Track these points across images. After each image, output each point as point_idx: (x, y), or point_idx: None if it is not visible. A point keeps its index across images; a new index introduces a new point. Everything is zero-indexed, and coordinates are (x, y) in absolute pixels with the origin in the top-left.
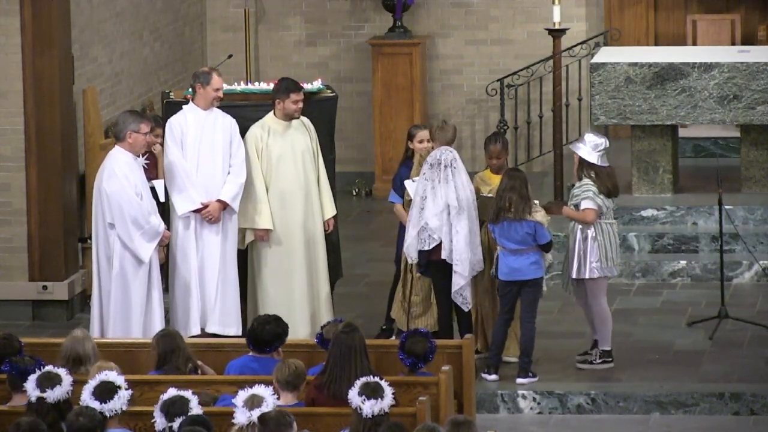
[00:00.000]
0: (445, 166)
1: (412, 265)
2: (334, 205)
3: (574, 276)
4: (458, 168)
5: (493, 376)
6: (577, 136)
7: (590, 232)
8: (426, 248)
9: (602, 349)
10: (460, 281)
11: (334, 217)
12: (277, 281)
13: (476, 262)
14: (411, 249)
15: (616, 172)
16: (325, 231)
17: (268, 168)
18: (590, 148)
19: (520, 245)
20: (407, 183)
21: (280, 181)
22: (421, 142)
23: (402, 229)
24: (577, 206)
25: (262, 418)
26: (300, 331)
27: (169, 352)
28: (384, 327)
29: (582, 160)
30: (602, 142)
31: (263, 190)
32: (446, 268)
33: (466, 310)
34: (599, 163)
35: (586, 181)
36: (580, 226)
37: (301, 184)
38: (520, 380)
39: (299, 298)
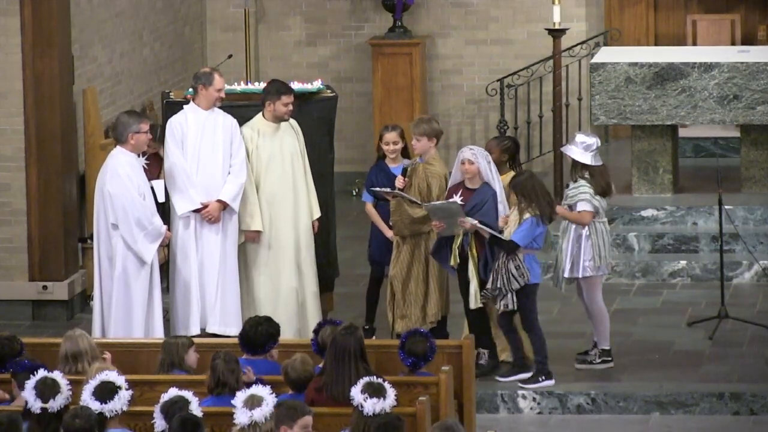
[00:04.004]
0: (488, 162)
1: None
2: (319, 207)
3: (566, 275)
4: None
5: (550, 382)
6: None
7: (584, 232)
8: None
9: (601, 348)
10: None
11: (318, 219)
12: (265, 281)
13: None
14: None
15: (616, 173)
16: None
17: (258, 170)
18: (582, 149)
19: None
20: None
21: (269, 183)
22: (387, 144)
23: (374, 228)
24: (571, 207)
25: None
26: (286, 330)
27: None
28: (366, 327)
29: (575, 162)
30: (594, 141)
31: (254, 191)
32: None
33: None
34: (593, 163)
35: (581, 182)
36: (574, 226)
37: (289, 186)
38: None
39: (285, 298)
